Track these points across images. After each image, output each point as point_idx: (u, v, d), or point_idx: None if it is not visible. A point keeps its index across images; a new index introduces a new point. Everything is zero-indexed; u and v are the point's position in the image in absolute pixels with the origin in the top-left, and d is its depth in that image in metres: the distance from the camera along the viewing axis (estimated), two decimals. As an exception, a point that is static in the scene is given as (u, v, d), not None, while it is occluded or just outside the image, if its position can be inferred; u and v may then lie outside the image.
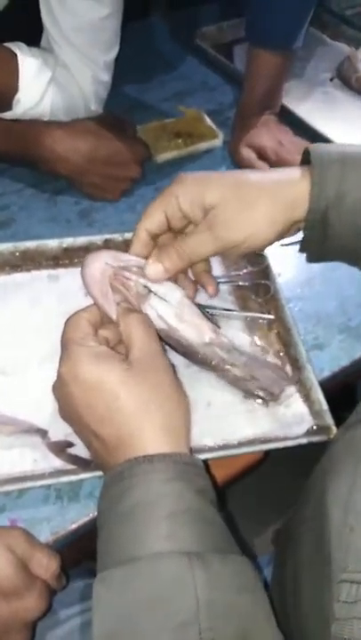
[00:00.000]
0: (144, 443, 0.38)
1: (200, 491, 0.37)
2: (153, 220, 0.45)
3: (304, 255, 0.48)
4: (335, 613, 0.31)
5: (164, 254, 0.45)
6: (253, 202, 0.43)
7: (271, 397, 0.49)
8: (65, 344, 0.42)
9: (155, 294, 0.46)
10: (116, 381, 0.39)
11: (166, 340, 0.46)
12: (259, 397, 0.49)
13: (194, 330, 0.46)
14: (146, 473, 0.36)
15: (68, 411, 0.41)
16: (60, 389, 0.41)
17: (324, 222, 0.43)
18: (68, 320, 0.44)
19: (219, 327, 0.49)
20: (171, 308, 0.46)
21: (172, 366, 0.44)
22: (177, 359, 0.49)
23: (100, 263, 0.46)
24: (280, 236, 0.45)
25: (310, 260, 0.48)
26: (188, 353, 0.47)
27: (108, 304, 0.44)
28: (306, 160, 0.46)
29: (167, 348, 0.49)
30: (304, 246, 0.46)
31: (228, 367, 0.48)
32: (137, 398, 0.39)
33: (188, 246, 0.44)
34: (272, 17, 0.70)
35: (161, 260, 0.45)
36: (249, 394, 0.49)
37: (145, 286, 0.46)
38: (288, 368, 0.52)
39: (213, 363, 0.47)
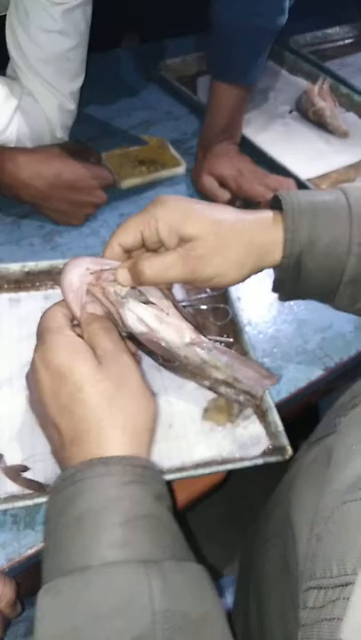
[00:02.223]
0: (101, 441, 0.37)
1: (159, 496, 0.36)
2: (128, 235, 0.45)
3: (266, 285, 0.50)
4: (301, 620, 0.31)
5: (133, 268, 0.45)
6: (229, 244, 0.44)
7: (253, 400, 0.49)
8: (41, 333, 0.42)
9: (133, 298, 0.46)
10: (84, 373, 0.39)
11: (147, 344, 0.46)
12: (239, 403, 0.49)
13: (174, 330, 0.46)
14: (100, 476, 0.35)
15: (36, 400, 0.41)
16: (32, 375, 0.41)
17: (297, 265, 0.45)
18: (44, 312, 0.44)
19: (198, 327, 0.49)
20: (150, 310, 0.46)
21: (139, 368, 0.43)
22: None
23: (81, 269, 0.45)
24: (248, 277, 0.46)
25: (282, 298, 0.50)
26: (169, 356, 0.47)
27: (81, 312, 0.44)
28: (275, 204, 0.47)
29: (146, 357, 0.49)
30: (277, 287, 0.49)
31: (210, 369, 0.47)
32: (101, 394, 0.38)
33: (157, 267, 0.44)
34: (232, 53, 0.73)
35: (130, 271, 0.45)
36: (230, 400, 0.49)
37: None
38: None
39: (195, 364, 0.47)
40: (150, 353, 0.47)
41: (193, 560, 0.35)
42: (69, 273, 0.45)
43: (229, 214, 0.46)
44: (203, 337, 0.47)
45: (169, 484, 0.39)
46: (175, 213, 0.44)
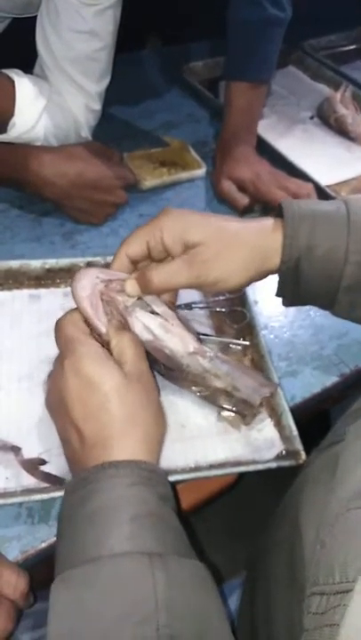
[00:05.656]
0: (120, 449, 0.40)
1: (162, 497, 0.39)
2: (135, 246, 0.47)
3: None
4: (305, 625, 0.31)
5: (141, 277, 0.47)
6: (231, 248, 0.46)
7: (251, 409, 0.49)
8: (68, 340, 0.44)
9: (140, 308, 0.47)
10: (113, 385, 0.41)
11: (151, 352, 0.47)
12: (238, 413, 0.50)
13: (179, 340, 0.48)
14: (110, 477, 0.38)
15: (58, 401, 0.43)
16: (59, 379, 0.43)
17: (296, 270, 0.47)
18: (63, 318, 0.46)
19: (198, 337, 0.50)
20: (156, 319, 0.48)
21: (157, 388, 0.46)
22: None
23: (92, 277, 0.47)
24: (251, 282, 0.48)
25: (286, 304, 0.52)
26: (171, 364, 0.48)
27: (98, 318, 0.46)
28: (280, 213, 0.49)
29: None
30: (279, 291, 0.50)
31: (211, 378, 0.48)
32: (127, 408, 0.41)
33: (164, 274, 0.47)
34: (237, 49, 0.78)
35: (138, 281, 0.48)
36: (228, 410, 0.50)
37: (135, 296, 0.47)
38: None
39: (196, 373, 0.48)
40: (153, 362, 0.48)
41: (195, 558, 0.37)
42: (82, 281, 0.47)
43: (232, 222, 0.48)
44: (204, 347, 0.49)
45: (174, 488, 0.43)
46: (179, 222, 0.46)
